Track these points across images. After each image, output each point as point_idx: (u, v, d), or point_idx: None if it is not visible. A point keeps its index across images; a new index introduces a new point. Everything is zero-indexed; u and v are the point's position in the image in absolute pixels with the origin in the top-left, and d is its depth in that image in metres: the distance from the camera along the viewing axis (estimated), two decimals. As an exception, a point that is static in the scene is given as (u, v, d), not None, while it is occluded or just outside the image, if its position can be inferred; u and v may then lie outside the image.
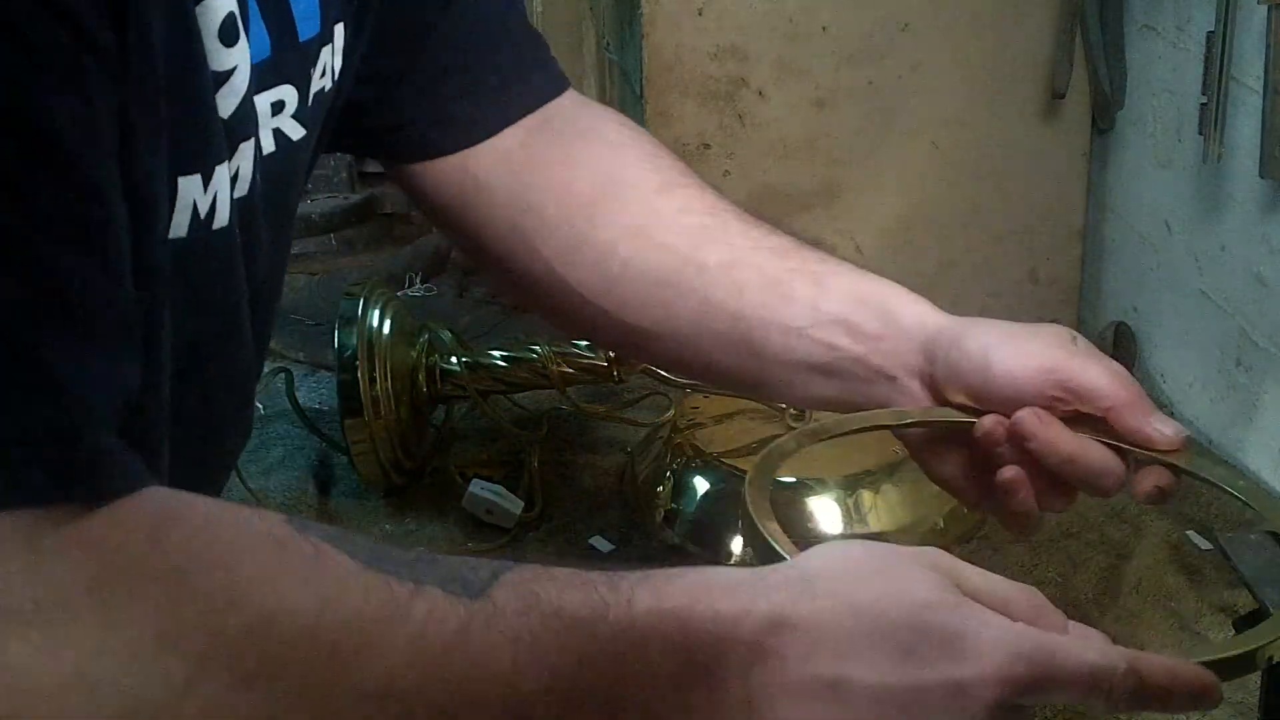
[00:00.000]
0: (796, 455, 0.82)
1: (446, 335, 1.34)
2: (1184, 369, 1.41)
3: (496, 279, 0.98)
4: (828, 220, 1.50)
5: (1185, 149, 1.35)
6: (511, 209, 0.92)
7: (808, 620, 0.63)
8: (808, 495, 1.16)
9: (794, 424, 1.19)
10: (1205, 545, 1.16)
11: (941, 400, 0.84)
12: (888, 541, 0.70)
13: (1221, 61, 1.24)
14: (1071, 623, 0.66)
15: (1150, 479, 0.81)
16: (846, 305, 0.87)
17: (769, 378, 0.89)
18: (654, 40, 1.41)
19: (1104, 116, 1.48)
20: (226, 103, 0.72)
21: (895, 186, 1.49)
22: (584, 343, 1.29)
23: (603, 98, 1.74)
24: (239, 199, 0.74)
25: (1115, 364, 0.83)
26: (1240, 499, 0.83)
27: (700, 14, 1.41)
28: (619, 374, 1.32)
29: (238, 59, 0.72)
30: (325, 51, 0.81)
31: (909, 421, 0.84)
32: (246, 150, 0.75)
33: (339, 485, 1.30)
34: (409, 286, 1.74)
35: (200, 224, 0.70)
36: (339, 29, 0.83)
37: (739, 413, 1.25)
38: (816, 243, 1.47)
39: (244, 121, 0.74)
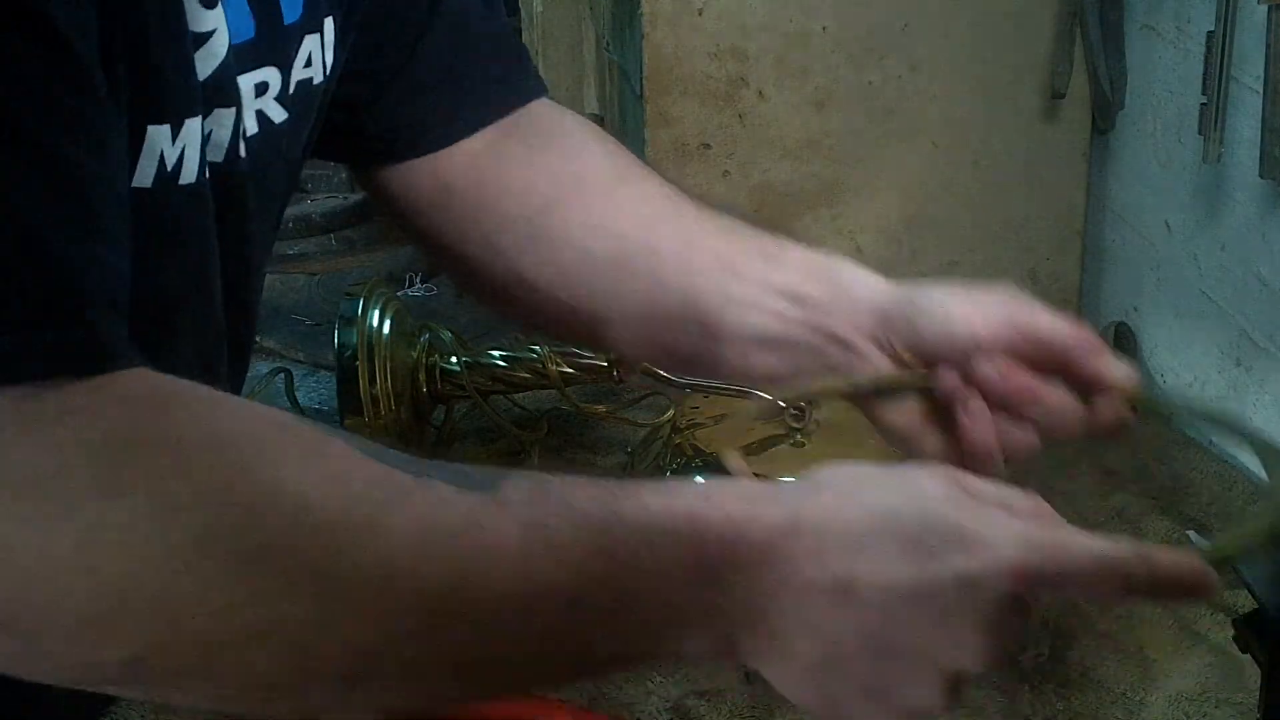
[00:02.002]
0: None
1: (446, 335, 1.34)
2: (1184, 369, 1.41)
3: (458, 279, 1.00)
4: (828, 220, 1.50)
5: (1185, 149, 1.35)
6: (474, 208, 0.94)
7: (817, 520, 0.62)
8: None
9: (794, 424, 1.19)
10: (1205, 545, 1.16)
11: (897, 362, 0.85)
12: None
13: (1221, 61, 1.24)
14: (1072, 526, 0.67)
15: (1109, 409, 0.82)
16: (796, 276, 0.88)
17: (724, 354, 0.89)
18: (654, 40, 1.41)
19: (1104, 117, 1.48)
20: (205, 64, 0.72)
21: (895, 186, 1.49)
22: (584, 343, 1.30)
23: (603, 98, 1.74)
24: (215, 164, 0.75)
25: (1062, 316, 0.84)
26: (1200, 417, 0.83)
27: (700, 14, 1.41)
28: (619, 374, 1.32)
29: (216, 22, 0.73)
30: (310, 40, 0.82)
31: (865, 386, 0.85)
32: (224, 118, 0.75)
33: (339, 485, 1.30)
34: (409, 286, 1.74)
35: (166, 175, 0.70)
36: (329, 22, 0.84)
37: (739, 413, 1.25)
38: (815, 243, 1.49)
39: (222, 88, 0.74)
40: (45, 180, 0.57)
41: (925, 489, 0.64)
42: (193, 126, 0.71)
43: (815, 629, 0.62)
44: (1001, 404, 0.81)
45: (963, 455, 0.83)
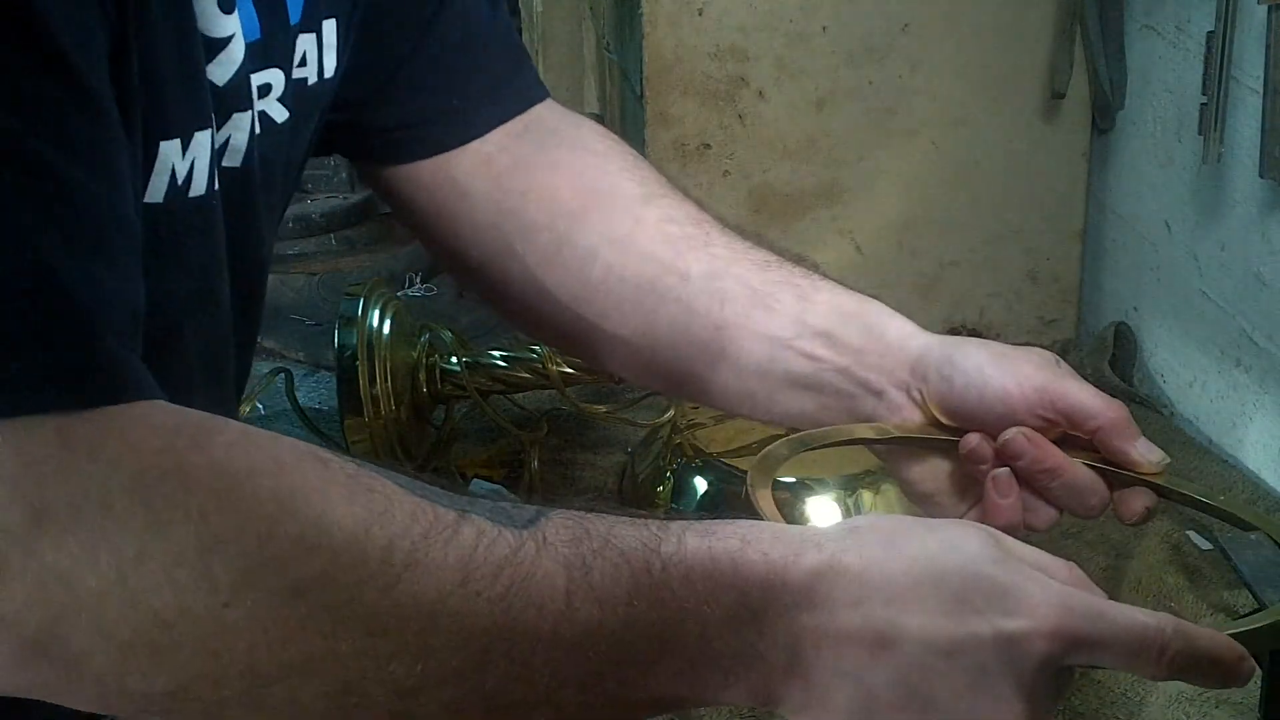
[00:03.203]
0: (789, 461, 0.82)
1: (446, 335, 1.34)
2: (1184, 369, 1.41)
3: (473, 287, 0.98)
4: (828, 220, 1.50)
5: (1185, 149, 1.35)
6: (492, 213, 0.92)
7: (858, 567, 0.62)
8: (808, 495, 1.16)
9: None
10: (1205, 545, 1.16)
11: (926, 416, 0.84)
12: None
13: (1221, 61, 1.24)
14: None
15: (1139, 500, 0.81)
16: (830, 318, 0.86)
17: (747, 390, 0.88)
18: (654, 40, 1.41)
19: (1104, 116, 1.48)
20: (223, 70, 0.72)
21: (895, 186, 1.49)
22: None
23: (603, 98, 1.74)
24: (232, 168, 0.74)
25: (1096, 389, 0.83)
26: (1227, 512, 0.83)
27: (700, 14, 1.41)
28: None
29: (234, 27, 0.72)
30: (305, 39, 0.82)
31: (893, 436, 0.84)
32: (241, 122, 0.74)
33: (339, 485, 1.30)
34: (409, 286, 1.74)
35: (177, 190, 0.69)
36: (329, 25, 0.83)
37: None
38: (815, 243, 1.49)
39: (239, 92, 0.74)
40: (53, 206, 0.56)
41: (968, 545, 0.64)
42: (201, 139, 0.70)
43: (852, 678, 0.61)
44: (1025, 477, 0.81)
45: (983, 523, 0.81)
